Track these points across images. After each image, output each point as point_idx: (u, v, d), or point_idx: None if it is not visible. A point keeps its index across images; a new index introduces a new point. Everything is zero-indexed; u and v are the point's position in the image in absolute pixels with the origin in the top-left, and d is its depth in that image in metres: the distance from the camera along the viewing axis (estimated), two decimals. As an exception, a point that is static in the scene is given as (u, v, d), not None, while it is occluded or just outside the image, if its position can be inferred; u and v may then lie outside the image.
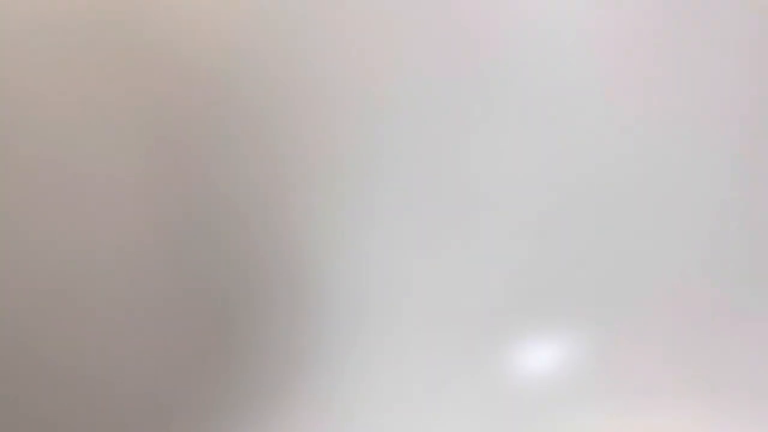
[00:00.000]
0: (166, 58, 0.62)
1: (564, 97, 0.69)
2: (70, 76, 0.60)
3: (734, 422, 0.62)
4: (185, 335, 0.66)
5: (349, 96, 0.66)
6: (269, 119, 0.65)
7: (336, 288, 0.69)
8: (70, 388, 0.63)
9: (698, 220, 0.69)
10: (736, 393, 0.64)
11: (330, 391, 0.69)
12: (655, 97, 0.69)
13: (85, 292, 0.63)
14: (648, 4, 0.67)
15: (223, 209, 0.66)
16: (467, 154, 0.69)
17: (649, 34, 0.67)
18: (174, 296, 0.66)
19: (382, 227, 0.69)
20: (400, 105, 0.66)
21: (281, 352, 0.69)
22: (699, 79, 0.68)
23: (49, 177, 0.61)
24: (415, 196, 0.69)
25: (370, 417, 0.68)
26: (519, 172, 0.70)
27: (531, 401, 0.68)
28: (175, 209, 0.65)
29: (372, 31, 0.65)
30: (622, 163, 0.70)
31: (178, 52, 0.62)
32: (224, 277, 0.67)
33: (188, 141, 0.64)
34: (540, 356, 0.69)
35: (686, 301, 0.69)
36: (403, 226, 0.70)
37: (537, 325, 0.70)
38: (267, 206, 0.67)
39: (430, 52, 0.66)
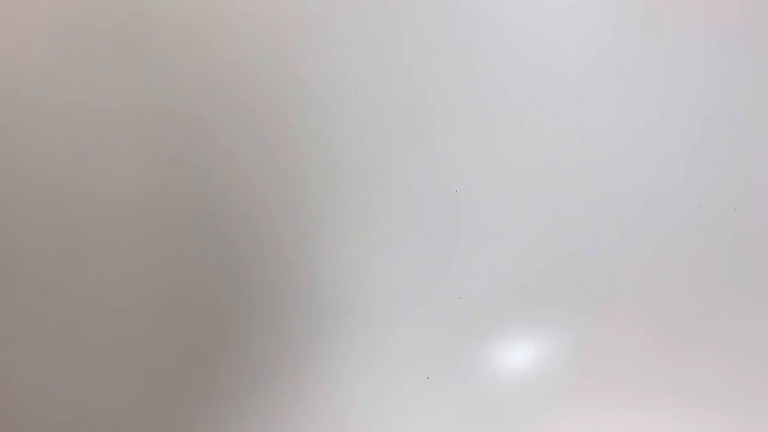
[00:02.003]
0: (168, 57, 0.62)
1: (551, 102, 0.69)
2: (76, 72, 0.60)
3: (713, 420, 0.63)
4: (184, 333, 0.67)
5: (349, 100, 0.66)
6: (267, 120, 0.66)
7: (325, 290, 0.70)
8: (72, 385, 0.63)
9: (682, 222, 0.70)
10: (715, 392, 0.65)
11: (318, 388, 0.69)
12: (645, 98, 0.69)
13: (85, 289, 0.64)
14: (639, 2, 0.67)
15: (222, 209, 0.66)
16: (453, 159, 0.69)
17: (642, 32, 0.68)
18: (172, 295, 0.66)
19: (371, 230, 0.70)
20: (397, 108, 0.67)
21: (272, 350, 0.69)
22: (689, 78, 0.69)
23: (49, 179, 0.62)
24: (403, 200, 0.70)
25: (357, 413, 0.68)
26: (502, 175, 0.70)
27: (513, 398, 0.68)
28: (174, 209, 0.65)
29: (364, 35, 0.66)
30: (606, 166, 0.71)
31: (181, 52, 0.62)
32: (221, 276, 0.67)
33: (188, 143, 0.65)
34: (522, 355, 0.70)
35: (667, 303, 0.70)
36: (390, 229, 0.70)
37: (519, 325, 0.71)
38: (264, 206, 0.68)
39: (422, 55, 0.67)
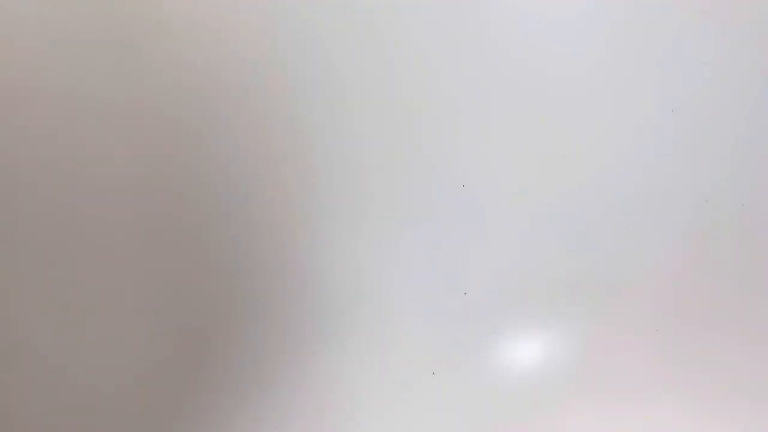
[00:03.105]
0: (167, 57, 0.61)
1: (557, 97, 0.69)
2: (72, 74, 0.59)
3: (719, 417, 0.63)
4: (185, 330, 0.66)
5: (349, 100, 0.66)
6: (273, 115, 0.65)
7: (330, 287, 0.70)
8: (73, 383, 0.63)
9: (687, 219, 0.70)
10: (722, 389, 0.66)
11: (323, 383, 0.69)
12: (652, 95, 0.69)
13: (86, 287, 0.63)
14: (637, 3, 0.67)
15: (225, 208, 0.66)
16: (459, 154, 0.69)
17: (650, 30, 0.67)
18: (174, 292, 0.66)
19: (376, 227, 0.69)
20: (405, 105, 0.66)
21: (277, 346, 0.69)
22: (697, 74, 0.68)
23: (49, 179, 0.61)
24: (408, 195, 0.69)
25: (363, 409, 0.68)
26: (508, 171, 0.70)
27: (518, 394, 0.68)
28: (176, 208, 0.65)
29: (366, 33, 0.65)
30: (612, 161, 0.71)
31: (180, 52, 0.61)
32: (226, 274, 0.67)
33: (189, 142, 0.64)
34: (527, 351, 0.70)
35: (673, 300, 0.70)
36: (395, 226, 0.70)
37: (525, 322, 0.71)
38: (268, 203, 0.67)
39: (430, 51, 0.66)
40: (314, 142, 0.67)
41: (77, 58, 0.59)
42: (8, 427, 0.62)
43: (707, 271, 0.70)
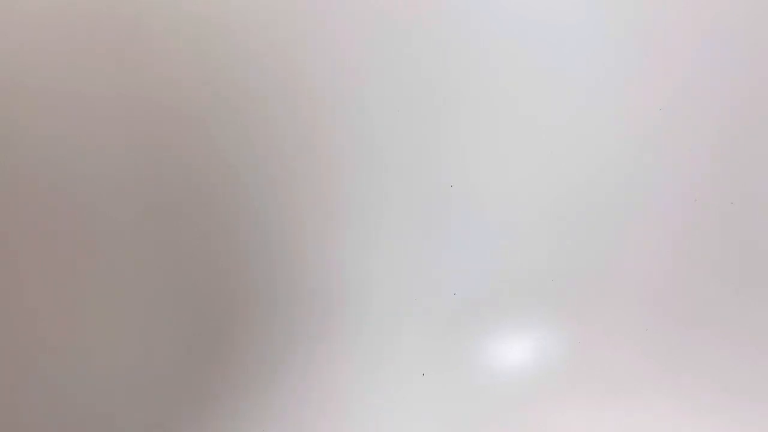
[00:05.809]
0: (174, 51, 0.62)
1: (543, 98, 0.69)
2: (72, 70, 0.60)
3: (709, 416, 0.63)
4: (185, 331, 0.67)
5: (347, 100, 0.66)
6: (269, 115, 0.65)
7: (319, 287, 0.70)
8: (77, 380, 0.63)
9: (676, 220, 0.70)
10: (711, 387, 0.65)
11: (314, 385, 0.69)
12: (641, 94, 0.68)
13: (87, 288, 0.64)
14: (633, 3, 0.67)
15: (231, 208, 0.66)
16: (447, 155, 0.69)
17: (640, 29, 0.67)
18: (176, 292, 0.66)
19: (366, 227, 0.70)
20: (394, 106, 0.67)
21: (266, 349, 0.69)
22: (686, 73, 0.68)
23: (48, 177, 0.61)
24: (398, 196, 0.69)
25: (354, 410, 0.69)
26: (498, 171, 0.70)
27: (508, 394, 0.68)
28: (180, 208, 0.65)
29: (365, 33, 0.65)
30: (600, 161, 0.71)
31: (181, 49, 0.62)
32: (226, 274, 0.67)
33: (195, 141, 0.64)
34: (517, 351, 0.70)
35: (663, 298, 0.70)
36: (384, 224, 0.70)
37: (515, 321, 0.71)
38: (270, 206, 0.67)
39: (421, 54, 0.66)
40: (309, 144, 0.67)
41: (80, 53, 0.59)
42: (9, 427, 0.63)
43: (697, 270, 0.70)
